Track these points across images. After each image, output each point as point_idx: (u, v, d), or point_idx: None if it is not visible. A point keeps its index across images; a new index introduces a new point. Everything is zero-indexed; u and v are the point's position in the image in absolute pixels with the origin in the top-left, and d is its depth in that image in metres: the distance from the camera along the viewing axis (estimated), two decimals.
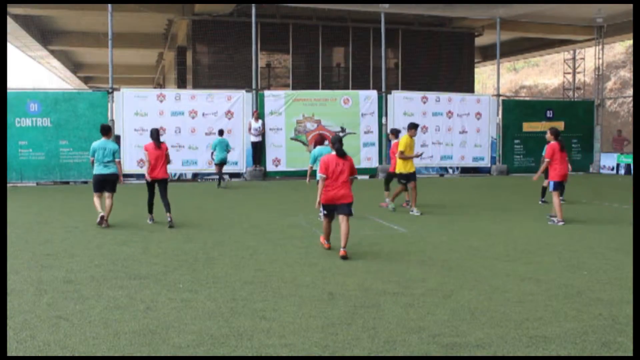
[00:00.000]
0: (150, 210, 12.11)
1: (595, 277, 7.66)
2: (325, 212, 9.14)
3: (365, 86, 27.73)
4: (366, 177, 23.09)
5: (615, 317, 6.06)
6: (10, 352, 5.06)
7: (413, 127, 14.05)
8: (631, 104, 40.29)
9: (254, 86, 22.81)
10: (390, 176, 14.78)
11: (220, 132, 20.11)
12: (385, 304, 6.45)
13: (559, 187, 12.44)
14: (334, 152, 9.08)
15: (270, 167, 22.56)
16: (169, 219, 11.57)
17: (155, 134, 12.15)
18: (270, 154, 22.58)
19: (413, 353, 5.11)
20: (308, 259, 8.75)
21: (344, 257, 8.68)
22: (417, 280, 7.47)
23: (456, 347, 5.25)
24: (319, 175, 8.95)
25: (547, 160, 12.43)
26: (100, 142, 11.83)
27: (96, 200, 11.87)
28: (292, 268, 8.17)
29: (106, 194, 11.85)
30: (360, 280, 7.48)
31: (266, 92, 23.22)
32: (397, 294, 6.84)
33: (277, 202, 16.00)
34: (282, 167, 22.52)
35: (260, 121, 22.09)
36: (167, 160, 12.04)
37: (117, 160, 11.86)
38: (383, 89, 24.11)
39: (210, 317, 5.98)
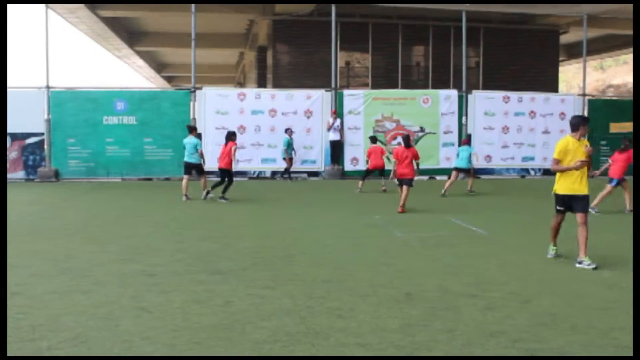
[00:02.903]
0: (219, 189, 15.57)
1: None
2: (398, 182, 13.80)
3: (445, 85, 27.42)
4: (445, 177, 22.78)
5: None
6: (95, 341, 5.25)
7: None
8: None
9: (333, 85, 22.89)
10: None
11: (287, 131, 21.19)
12: (463, 307, 6.36)
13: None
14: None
15: (348, 166, 22.59)
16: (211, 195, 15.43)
17: (227, 135, 15.68)
18: (348, 153, 22.61)
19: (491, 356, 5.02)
20: (385, 259, 8.72)
21: (401, 212, 13.21)
22: (496, 284, 7.33)
23: (537, 352, 5.12)
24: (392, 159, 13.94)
25: None
26: (187, 139, 15.79)
27: (184, 182, 15.65)
28: (369, 267, 8.16)
29: (199, 176, 15.87)
30: (438, 281, 7.40)
31: (345, 91, 23.27)
32: (475, 297, 6.73)
33: (354, 201, 16.00)
34: (360, 167, 22.51)
35: (338, 120, 22.16)
36: (231, 156, 15.22)
37: (199, 150, 15.61)
38: (463, 89, 23.76)
39: (287, 314, 6.04)
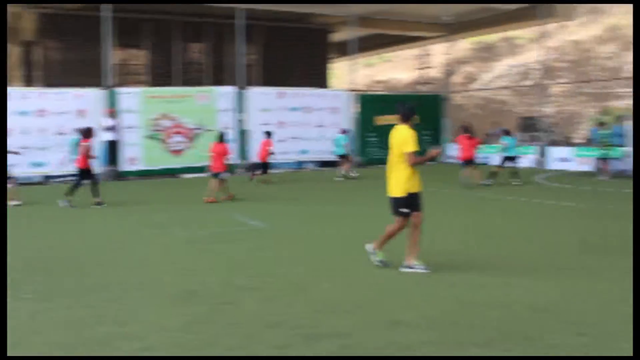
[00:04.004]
0: None
1: (448, 264, 8.05)
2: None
3: (223, 83, 27.54)
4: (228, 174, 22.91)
5: (464, 299, 6.43)
6: None
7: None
8: (476, 97, 42.75)
9: (107, 83, 22.01)
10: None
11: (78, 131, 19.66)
12: (245, 300, 6.47)
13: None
14: None
15: (125, 166, 21.84)
16: None
17: None
18: (125, 153, 21.88)
19: (273, 346, 5.16)
20: (168, 258, 8.60)
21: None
22: (276, 275, 7.55)
23: (315, 337, 5.36)
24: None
25: None
26: None
27: None
28: (152, 268, 8.01)
29: None
30: (221, 277, 7.46)
31: (121, 89, 22.47)
32: (257, 289, 6.88)
33: (140, 201, 15.53)
34: (139, 166, 21.89)
35: (114, 119, 21.35)
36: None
37: None
38: (240, 85, 24.04)
39: (71, 326, 5.72)
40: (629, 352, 4.88)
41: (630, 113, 21.03)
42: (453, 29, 31.53)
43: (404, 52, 47.13)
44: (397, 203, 7.55)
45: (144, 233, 10.83)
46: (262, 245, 9.54)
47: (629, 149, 20.63)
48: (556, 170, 22.38)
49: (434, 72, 41.96)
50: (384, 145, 24.96)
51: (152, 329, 5.61)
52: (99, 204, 14.19)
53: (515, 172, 18.18)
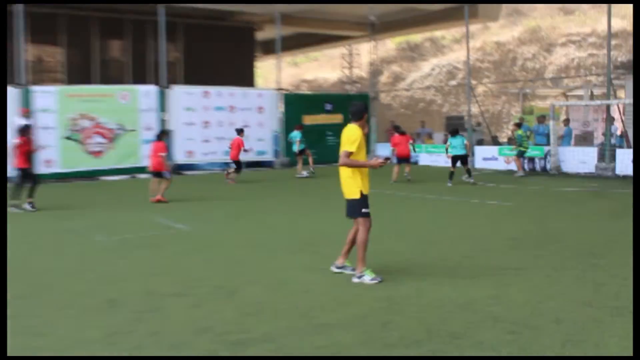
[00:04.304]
0: None
1: (373, 262, 8.11)
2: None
3: (145, 81, 27.01)
4: (147, 176, 22.50)
5: (392, 297, 6.49)
6: None
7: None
8: (402, 97, 43.42)
9: (20, 81, 21.22)
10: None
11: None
12: (170, 307, 6.33)
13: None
14: None
15: (41, 169, 21.08)
16: None
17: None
18: (41, 155, 21.12)
19: (200, 354, 5.07)
20: (86, 266, 8.33)
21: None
22: (202, 280, 7.42)
23: (244, 342, 5.29)
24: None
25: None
26: None
27: None
28: (69, 276, 7.73)
29: None
30: (143, 284, 7.27)
31: (35, 88, 21.68)
32: (182, 295, 6.75)
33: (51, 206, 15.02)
34: (56, 169, 21.20)
35: (29, 119, 20.59)
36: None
37: None
38: (163, 84, 23.62)
39: None
40: (555, 350, 5.01)
41: (550, 112, 21.79)
42: (378, 29, 31.92)
43: (330, 52, 47.48)
44: (357, 204, 7.32)
45: (60, 239, 10.47)
46: (187, 249, 9.37)
47: (550, 148, 21.33)
48: (482, 169, 22.91)
49: (361, 72, 42.40)
50: (311, 144, 25.24)
51: (70, 341, 5.41)
52: (30, 204, 13.71)
53: (469, 170, 18.55)
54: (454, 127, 20.75)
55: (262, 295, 6.70)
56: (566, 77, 34.84)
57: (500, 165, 23.24)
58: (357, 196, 7.28)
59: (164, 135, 15.71)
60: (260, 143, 25.52)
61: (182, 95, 23.85)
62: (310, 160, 21.79)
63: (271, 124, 25.89)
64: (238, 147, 19.87)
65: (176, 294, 6.82)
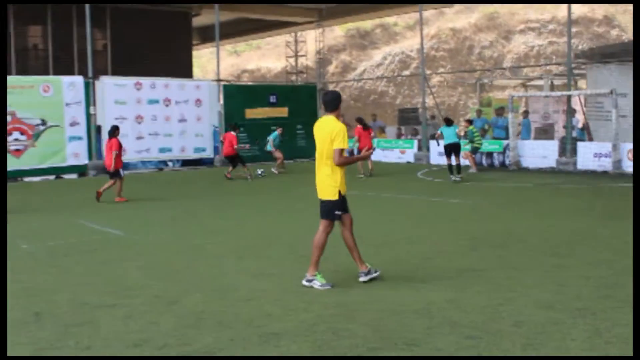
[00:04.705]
0: None
1: (325, 266, 8.18)
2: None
3: (69, 71, 26.56)
4: (74, 175, 22.21)
5: (344, 303, 6.56)
6: None
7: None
8: (353, 88, 43.72)
9: None
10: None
11: None
12: (101, 319, 6.28)
13: None
14: None
15: None
16: None
17: None
18: None
19: None
20: (11, 276, 8.17)
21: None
22: (137, 289, 7.38)
23: (185, 354, 5.29)
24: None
25: None
26: None
27: None
28: None
29: None
30: (71, 295, 7.18)
31: None
32: (114, 306, 6.70)
33: None
34: None
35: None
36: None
37: None
38: (90, 75, 23.26)
39: None
40: (515, 354, 5.16)
41: (509, 104, 22.24)
42: (326, 14, 32.06)
43: (274, 39, 47.49)
44: (333, 206, 7.29)
45: None
46: (121, 256, 9.29)
47: (509, 142, 21.78)
48: (438, 165, 23.11)
49: (307, 61, 42.50)
50: (253, 141, 25.21)
51: None
52: None
53: (458, 166, 18.50)
54: (447, 116, 20.59)
55: (204, 305, 6.70)
56: (525, 66, 35.64)
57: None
58: (335, 197, 7.24)
59: (116, 131, 15.69)
60: (199, 139, 25.40)
61: (112, 87, 23.55)
62: (280, 161, 22.34)
63: (210, 118, 25.76)
64: (230, 143, 20.20)
65: (109, 304, 6.76)
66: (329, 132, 7.13)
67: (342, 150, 7.10)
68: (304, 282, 7.31)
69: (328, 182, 7.24)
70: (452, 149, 18.35)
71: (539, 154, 21.40)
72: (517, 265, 8.17)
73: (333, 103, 7.31)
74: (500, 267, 8.11)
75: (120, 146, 15.47)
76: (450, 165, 18.43)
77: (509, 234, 10.31)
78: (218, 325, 6.04)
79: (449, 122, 18.77)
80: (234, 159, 20.42)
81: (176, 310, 6.55)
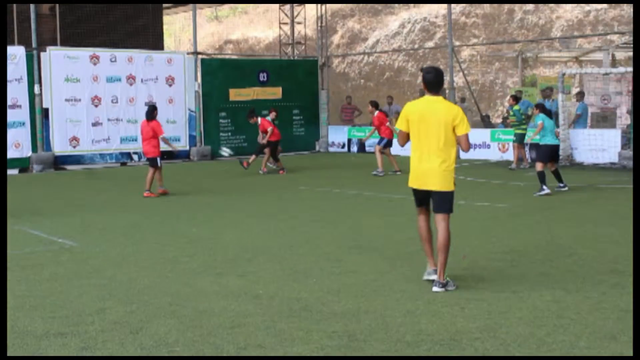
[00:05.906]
0: None
1: (325, 286, 8.18)
2: None
3: (9, 42, 26.55)
4: (15, 171, 22.18)
5: (352, 332, 6.56)
6: None
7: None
8: (363, 63, 43.67)
9: None
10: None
11: None
12: (49, 351, 6.29)
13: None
14: None
15: None
16: None
17: None
18: None
19: None
20: None
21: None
22: (92, 313, 7.38)
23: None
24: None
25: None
26: None
27: None
28: None
29: None
30: (11, 320, 7.18)
31: None
32: (65, 335, 6.70)
33: None
34: None
35: None
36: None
37: None
38: (34, 45, 23.25)
39: None
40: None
41: (559, 84, 22.17)
42: None
43: (265, 4, 47.37)
44: (452, 197, 8.07)
45: None
46: (73, 271, 9.31)
47: (558, 131, 21.73)
48: (469, 160, 22.86)
49: (306, 30, 42.39)
50: (239, 130, 25.15)
51: None
52: None
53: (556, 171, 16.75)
54: (539, 102, 20.62)
55: (176, 333, 6.70)
56: (579, 36, 35.47)
57: (494, 154, 23.56)
58: (454, 187, 8.05)
59: (155, 111, 16.72)
60: (171, 127, 25.20)
61: (61, 60, 23.53)
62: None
63: (185, 100, 25.74)
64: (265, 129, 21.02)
65: (58, 333, 6.76)
66: (451, 117, 7.90)
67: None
68: (436, 289, 7.83)
69: (448, 171, 7.96)
70: (553, 152, 16.35)
71: (597, 146, 21.35)
72: (565, 285, 8.15)
73: (440, 83, 8.14)
74: (544, 287, 8.10)
75: (159, 130, 16.50)
76: (541, 173, 15.62)
77: (556, 247, 10.29)
78: (189, 352, 6.05)
79: (545, 110, 16.66)
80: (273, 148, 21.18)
81: (142, 339, 6.55)
